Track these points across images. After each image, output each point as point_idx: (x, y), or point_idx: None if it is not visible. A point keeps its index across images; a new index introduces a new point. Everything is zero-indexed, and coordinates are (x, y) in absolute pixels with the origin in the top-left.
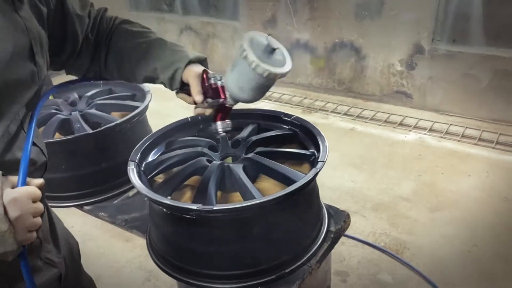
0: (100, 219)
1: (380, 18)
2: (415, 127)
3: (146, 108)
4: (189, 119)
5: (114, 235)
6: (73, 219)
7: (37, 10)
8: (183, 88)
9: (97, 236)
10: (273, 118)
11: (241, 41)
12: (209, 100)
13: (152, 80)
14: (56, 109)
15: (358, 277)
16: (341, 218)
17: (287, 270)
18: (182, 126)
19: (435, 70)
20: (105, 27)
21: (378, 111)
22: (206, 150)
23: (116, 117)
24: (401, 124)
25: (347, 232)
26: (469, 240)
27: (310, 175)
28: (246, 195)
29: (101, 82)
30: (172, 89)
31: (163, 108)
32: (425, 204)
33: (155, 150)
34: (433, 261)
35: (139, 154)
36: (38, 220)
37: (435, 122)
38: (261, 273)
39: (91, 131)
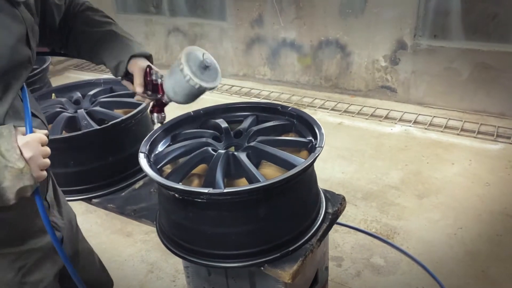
0: (108, 210)
1: (364, 16)
2: (401, 119)
3: (148, 104)
4: (192, 113)
5: (115, 231)
6: None
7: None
8: (128, 77)
9: (98, 232)
10: (271, 110)
11: (180, 54)
12: (149, 92)
13: (104, 65)
14: (61, 108)
15: (352, 261)
16: (337, 201)
17: (290, 248)
18: (185, 120)
19: (418, 65)
20: (71, 11)
21: (364, 106)
22: (210, 141)
23: (120, 114)
24: (387, 117)
25: (340, 220)
26: (454, 223)
27: (310, 159)
28: (252, 179)
29: (102, 81)
30: (116, 76)
31: None
32: (413, 191)
33: (162, 142)
34: (422, 244)
35: (147, 146)
36: (47, 161)
37: (419, 114)
38: (267, 251)
39: (98, 127)
